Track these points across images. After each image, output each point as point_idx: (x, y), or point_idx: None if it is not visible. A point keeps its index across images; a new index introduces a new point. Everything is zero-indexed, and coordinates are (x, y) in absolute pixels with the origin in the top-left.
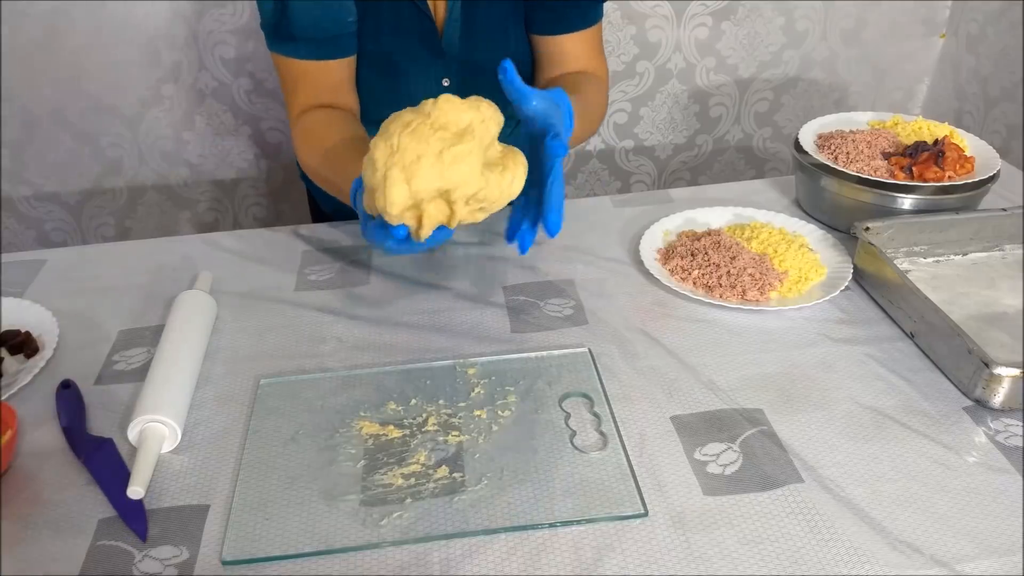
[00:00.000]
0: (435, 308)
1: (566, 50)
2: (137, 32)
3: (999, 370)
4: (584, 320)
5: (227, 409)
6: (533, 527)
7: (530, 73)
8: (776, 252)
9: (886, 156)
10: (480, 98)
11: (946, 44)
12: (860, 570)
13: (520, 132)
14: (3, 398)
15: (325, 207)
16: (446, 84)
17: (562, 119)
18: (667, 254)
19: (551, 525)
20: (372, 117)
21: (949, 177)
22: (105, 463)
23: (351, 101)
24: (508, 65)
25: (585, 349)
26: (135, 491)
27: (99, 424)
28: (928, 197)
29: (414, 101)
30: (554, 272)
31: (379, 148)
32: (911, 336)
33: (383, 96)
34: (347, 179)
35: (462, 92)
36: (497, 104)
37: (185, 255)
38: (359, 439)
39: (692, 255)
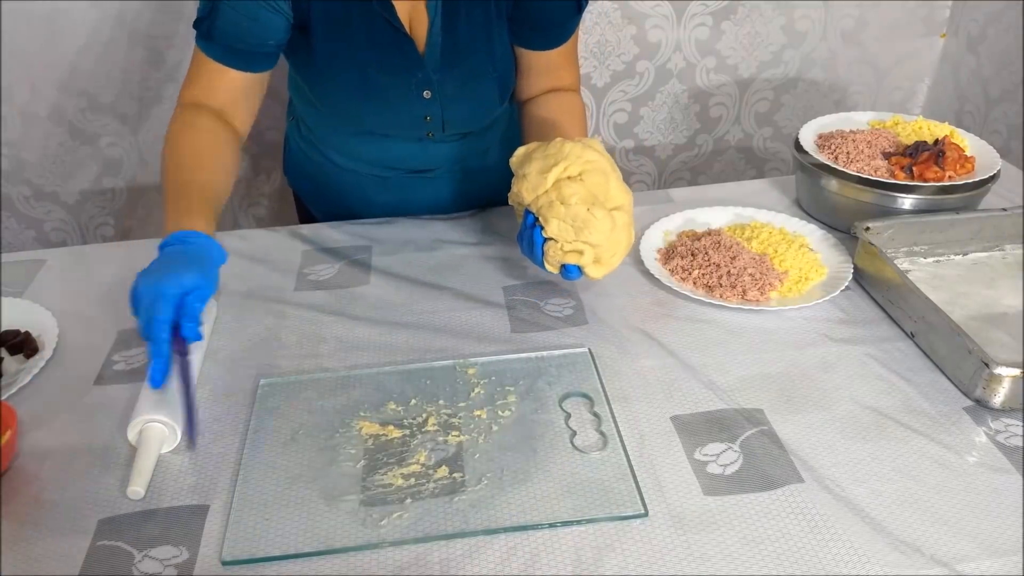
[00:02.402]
0: (435, 308)
1: (549, 63)
2: (137, 32)
3: (999, 370)
4: (584, 320)
5: (227, 409)
6: (533, 527)
7: (512, 78)
8: (776, 252)
9: (886, 156)
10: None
11: (946, 44)
12: (860, 570)
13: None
14: (3, 398)
15: (315, 211)
16: (427, 96)
17: None
18: (667, 254)
19: (551, 525)
20: (349, 129)
21: (949, 177)
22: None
23: (242, 117)
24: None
25: (585, 349)
26: (135, 491)
27: (99, 424)
28: (928, 197)
29: (394, 114)
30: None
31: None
32: (911, 336)
33: (364, 109)
34: (174, 218)
35: (445, 103)
36: (480, 108)
37: None
38: (359, 439)
39: (692, 255)
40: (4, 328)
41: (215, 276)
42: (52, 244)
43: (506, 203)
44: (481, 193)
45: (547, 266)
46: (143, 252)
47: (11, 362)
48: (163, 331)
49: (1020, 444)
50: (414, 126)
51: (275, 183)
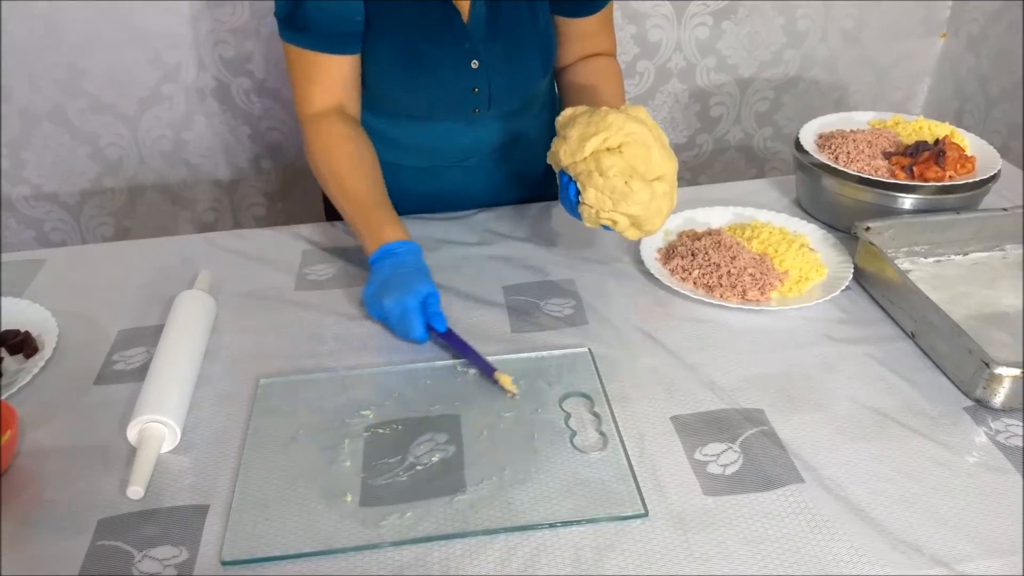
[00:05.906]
0: None
1: (587, 30)
2: (137, 32)
3: (1000, 370)
4: (584, 320)
5: (227, 409)
6: (533, 527)
7: (553, 49)
8: (776, 252)
9: (887, 156)
10: (627, 108)
11: (946, 44)
12: (860, 570)
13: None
14: (3, 398)
15: None
16: (475, 66)
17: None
18: (667, 254)
19: (551, 525)
20: (400, 109)
21: (950, 177)
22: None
23: (356, 100)
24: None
25: (585, 349)
26: (135, 491)
27: (99, 424)
28: (929, 197)
29: (445, 88)
30: (554, 272)
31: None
32: (912, 336)
33: (413, 85)
34: (374, 233)
35: (491, 73)
36: (525, 79)
37: (185, 255)
38: (359, 439)
39: (692, 255)
40: (4, 328)
41: (430, 273)
42: (52, 244)
43: (534, 200)
44: (517, 183)
45: (585, 223)
46: (143, 252)
47: (11, 362)
48: (422, 335)
49: (1020, 444)
50: (462, 101)
51: (275, 183)
